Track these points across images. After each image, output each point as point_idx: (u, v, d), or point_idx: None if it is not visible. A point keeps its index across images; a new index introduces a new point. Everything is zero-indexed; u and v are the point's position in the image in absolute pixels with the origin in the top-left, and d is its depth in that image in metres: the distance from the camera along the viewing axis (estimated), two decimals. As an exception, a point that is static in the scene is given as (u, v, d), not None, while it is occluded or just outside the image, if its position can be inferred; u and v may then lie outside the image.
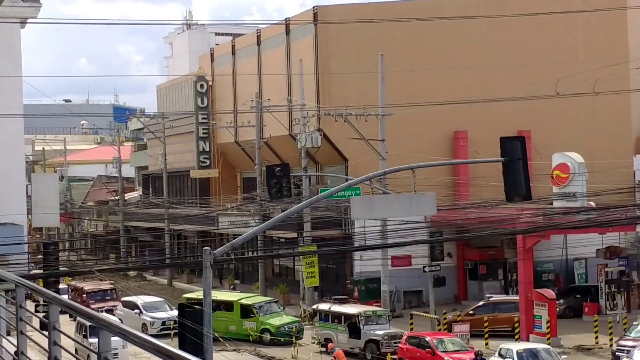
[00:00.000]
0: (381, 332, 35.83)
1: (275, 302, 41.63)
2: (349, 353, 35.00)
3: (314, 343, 38.44)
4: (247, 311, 39.62)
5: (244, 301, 40.28)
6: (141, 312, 42.37)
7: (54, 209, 28.07)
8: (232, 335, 39.01)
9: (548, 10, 47.81)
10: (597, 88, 38.38)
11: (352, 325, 36.60)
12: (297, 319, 40.34)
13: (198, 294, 44.15)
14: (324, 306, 39.15)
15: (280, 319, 39.28)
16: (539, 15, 47.80)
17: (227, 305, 40.49)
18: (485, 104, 47.21)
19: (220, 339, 39.16)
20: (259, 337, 38.87)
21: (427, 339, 33.67)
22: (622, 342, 33.79)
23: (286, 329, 38.55)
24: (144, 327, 41.00)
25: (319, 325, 38.50)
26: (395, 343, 35.23)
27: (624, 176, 48.95)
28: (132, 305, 43.55)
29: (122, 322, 40.55)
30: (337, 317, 37.56)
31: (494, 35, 53.00)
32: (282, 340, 38.01)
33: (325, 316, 38.23)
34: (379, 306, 41.05)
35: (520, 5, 51.35)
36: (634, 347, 32.56)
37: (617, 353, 33.33)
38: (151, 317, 41.87)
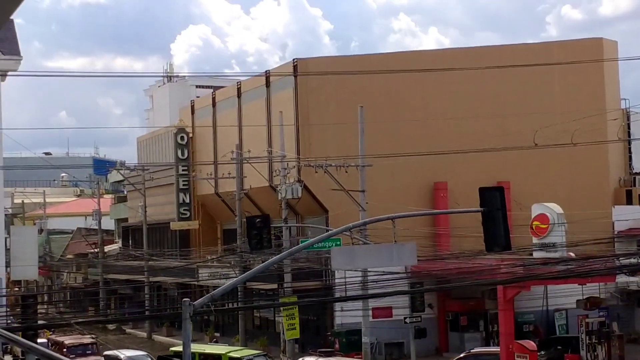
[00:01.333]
0: None
1: (264, 355, 40.89)
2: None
3: None
4: None
5: (233, 354, 39.57)
6: None
7: (32, 262, 27.93)
8: None
9: (525, 62, 48.38)
10: (575, 139, 38.74)
11: None
12: None
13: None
14: (309, 359, 38.76)
15: None
16: (516, 67, 48.34)
17: (215, 359, 39.93)
18: (465, 155, 47.50)
19: None
20: None
21: None
22: None
23: None
24: None
25: None
26: None
27: (603, 227, 49.15)
28: (115, 359, 42.89)
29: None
30: None
31: (473, 87, 53.50)
32: None
33: None
34: (360, 358, 40.76)
35: (498, 57, 52.00)
36: None
37: None
38: None
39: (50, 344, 48.74)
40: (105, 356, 44.18)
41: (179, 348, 42.14)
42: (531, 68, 49.71)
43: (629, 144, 60.29)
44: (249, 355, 39.56)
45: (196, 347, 42.86)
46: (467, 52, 55.56)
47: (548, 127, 43.68)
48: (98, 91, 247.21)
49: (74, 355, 45.38)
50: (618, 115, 56.46)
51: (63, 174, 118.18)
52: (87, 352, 47.18)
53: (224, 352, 39.98)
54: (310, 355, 39.71)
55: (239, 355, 39.18)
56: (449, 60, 52.47)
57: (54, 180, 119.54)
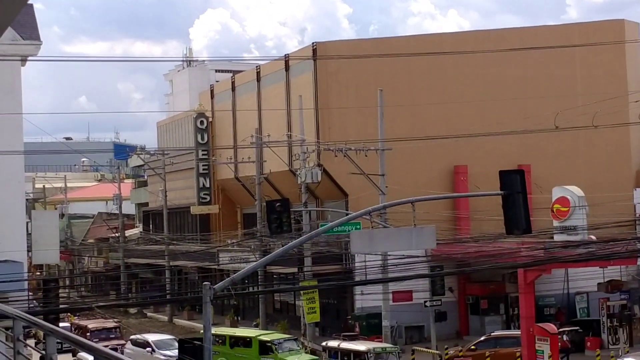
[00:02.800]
0: None
1: (295, 339, 40.70)
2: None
3: None
4: (265, 348, 38.69)
5: (263, 337, 39.67)
6: (153, 350, 41.50)
7: (54, 246, 28.03)
8: None
9: (547, 45, 48.09)
10: (596, 121, 38.49)
11: None
12: (316, 357, 39.12)
13: (217, 330, 44.00)
14: (332, 343, 38.68)
15: (299, 357, 38.39)
16: (537, 49, 48.07)
17: (245, 342, 40.00)
18: (485, 139, 47.31)
19: None
20: None
21: None
22: None
23: None
24: None
25: None
26: None
27: (624, 209, 48.92)
28: (143, 344, 42.81)
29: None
30: (346, 354, 36.99)
31: (493, 70, 53.24)
32: None
33: (335, 353, 37.67)
34: (380, 341, 40.78)
35: (519, 40, 51.68)
36: None
37: None
38: (164, 355, 40.68)
39: (73, 328, 49.01)
40: (132, 340, 44.28)
41: (215, 330, 42.72)
42: (552, 50, 49.42)
43: (651, 126, 59.87)
44: (279, 339, 39.60)
45: (227, 330, 43.10)
46: (487, 35, 55.28)
47: (569, 110, 43.44)
48: (118, 76, 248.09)
49: (97, 340, 45.35)
50: (639, 97, 56.03)
51: (84, 159, 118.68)
52: (111, 336, 47.32)
53: (254, 336, 40.09)
54: (334, 339, 39.67)
55: (269, 339, 39.27)
56: (469, 43, 52.23)
57: (75, 165, 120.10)
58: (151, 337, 43.43)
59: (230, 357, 39.59)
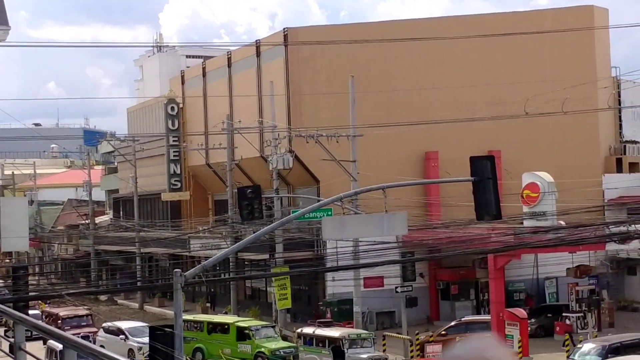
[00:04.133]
0: (365, 356, 35.42)
1: (273, 326, 40.91)
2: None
3: None
4: (242, 334, 38.96)
5: (240, 324, 39.77)
6: (127, 337, 41.25)
7: (23, 233, 27.80)
8: (227, 358, 38.74)
9: (517, 31, 48.27)
10: (566, 107, 38.72)
11: (336, 349, 36.15)
12: (293, 344, 39.33)
13: (195, 316, 44.01)
14: (308, 330, 38.75)
15: (276, 344, 38.57)
16: (508, 35, 48.23)
17: (223, 328, 40.06)
18: (456, 125, 47.47)
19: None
20: None
21: None
22: None
23: (282, 353, 37.71)
24: (130, 353, 40.17)
25: (303, 349, 38.05)
26: None
27: (594, 195, 49.26)
28: (116, 331, 42.52)
29: (105, 347, 39.89)
30: (321, 340, 37.20)
31: (464, 56, 53.36)
32: None
33: (310, 340, 37.86)
34: (352, 327, 40.92)
35: (490, 26, 51.86)
36: None
37: None
38: (137, 343, 40.34)
39: (44, 316, 48.67)
40: (105, 328, 44.02)
41: (189, 316, 42.73)
42: (522, 36, 49.62)
43: (619, 112, 60.31)
44: (256, 326, 39.74)
45: (205, 317, 43.13)
46: (458, 21, 55.36)
47: (539, 96, 43.65)
48: (87, 61, 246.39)
49: (68, 327, 44.87)
50: (609, 83, 56.41)
51: (53, 145, 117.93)
52: (82, 323, 47.00)
53: (232, 322, 40.15)
54: (309, 326, 39.76)
55: (247, 325, 39.38)
56: (441, 29, 52.28)
57: (44, 151, 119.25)
58: (124, 325, 43.22)
59: (208, 343, 39.72)
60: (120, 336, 41.74)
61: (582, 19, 54.55)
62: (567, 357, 34.15)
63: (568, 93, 41.83)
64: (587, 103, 48.55)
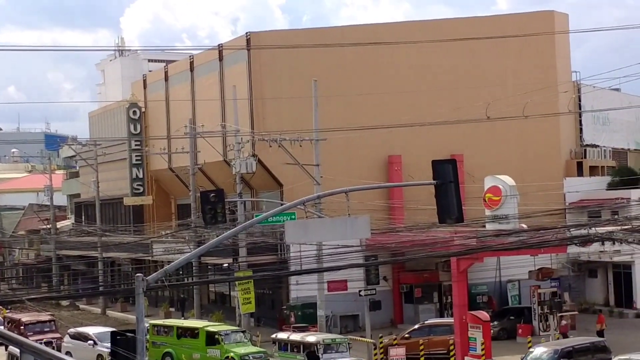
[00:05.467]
0: None
1: (243, 331, 40.70)
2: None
3: None
4: (212, 339, 38.67)
5: (210, 328, 39.57)
6: (95, 343, 40.69)
7: (-17, 238, 27.61)
8: None
9: (478, 35, 48.56)
10: (527, 112, 38.95)
11: (311, 354, 36.00)
12: (263, 349, 39.08)
13: (165, 321, 43.73)
14: (282, 335, 38.54)
15: (245, 348, 38.31)
16: (469, 40, 48.52)
17: (193, 333, 39.88)
18: (419, 129, 47.69)
19: None
20: None
21: None
22: None
23: (250, 358, 37.41)
24: (99, 359, 39.86)
25: (279, 355, 37.86)
26: None
27: (555, 198, 49.71)
28: (84, 337, 42.03)
29: (71, 354, 39.37)
30: (296, 346, 37.00)
31: (426, 60, 53.63)
32: None
33: (285, 345, 37.64)
34: (316, 331, 40.89)
35: (451, 31, 52.11)
36: None
37: None
38: (108, 348, 40.05)
39: (6, 322, 48.05)
40: (71, 333, 43.49)
41: (157, 321, 42.54)
42: (484, 41, 49.94)
43: (580, 116, 60.91)
44: (226, 330, 39.56)
45: (174, 322, 42.90)
46: (420, 26, 55.62)
47: (500, 100, 43.91)
48: (48, 66, 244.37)
49: (31, 333, 44.29)
50: (569, 87, 56.96)
51: (14, 150, 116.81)
52: (45, 329, 46.38)
53: (201, 327, 39.98)
54: (284, 331, 39.53)
55: (216, 330, 39.22)
56: (403, 33, 52.51)
57: (5, 155, 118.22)
58: (91, 330, 42.71)
59: (177, 348, 39.54)
60: (89, 342, 41.26)
61: (542, 24, 55.01)
62: (521, 359, 34.31)
63: (529, 97, 42.10)
64: (548, 107, 48.91)
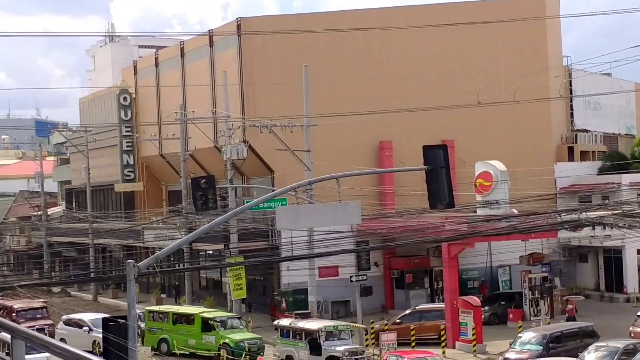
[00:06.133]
0: (341, 348, 34.68)
1: (239, 317, 40.71)
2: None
3: None
4: (207, 325, 38.83)
5: (205, 315, 39.62)
6: (91, 329, 40.46)
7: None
8: (191, 349, 38.62)
9: (469, 20, 48.52)
10: (518, 97, 38.99)
11: (313, 342, 35.59)
12: (258, 336, 39.10)
13: (160, 307, 43.75)
14: (284, 322, 38.08)
15: (241, 335, 38.37)
16: (460, 25, 48.48)
17: (188, 319, 39.94)
18: (410, 114, 47.64)
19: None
20: (217, 353, 37.80)
21: (403, 359, 32.50)
22: (507, 355, 33.23)
23: (246, 344, 37.41)
24: (95, 345, 39.79)
25: (280, 341, 37.47)
26: (356, 359, 34.35)
27: (546, 183, 49.80)
28: (78, 323, 41.95)
29: (66, 341, 39.31)
30: (298, 333, 36.51)
31: (417, 46, 53.56)
32: (242, 357, 36.45)
33: (287, 332, 37.18)
34: (318, 318, 40.72)
35: (442, 16, 52.08)
36: (518, 359, 32.25)
37: None
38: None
39: (-2, 309, 47.92)
40: (65, 321, 43.42)
41: (154, 307, 42.60)
42: (475, 26, 49.89)
43: (571, 101, 60.97)
44: (222, 317, 39.62)
45: (170, 308, 42.96)
46: (411, 11, 55.51)
47: (491, 85, 43.93)
48: (38, 52, 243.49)
49: (23, 320, 44.12)
50: (560, 72, 56.97)
51: (4, 136, 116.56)
52: (37, 316, 46.30)
53: (197, 313, 40.04)
54: (287, 318, 39.16)
55: (212, 316, 39.27)
56: (393, 19, 52.42)
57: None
58: (86, 317, 42.68)
59: (173, 334, 39.66)
60: (84, 328, 41.23)
61: (533, 9, 55.01)
62: (510, 344, 34.41)
63: (520, 82, 42.13)
64: (539, 92, 48.97)
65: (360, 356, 34.54)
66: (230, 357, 36.86)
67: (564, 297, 44.18)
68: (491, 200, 39.76)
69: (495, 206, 39.47)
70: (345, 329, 36.32)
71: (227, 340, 37.72)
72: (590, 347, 31.03)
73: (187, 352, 38.98)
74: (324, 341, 35.30)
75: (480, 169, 40.97)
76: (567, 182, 54.11)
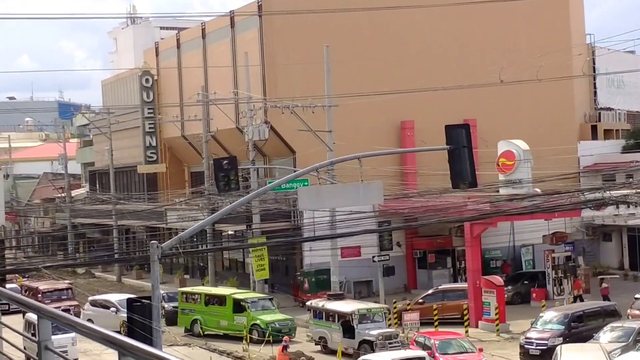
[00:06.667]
0: (375, 332, 33.72)
1: (270, 299, 40.89)
2: (344, 354, 33.90)
3: (308, 342, 37.00)
4: (239, 306, 39.01)
5: (237, 296, 39.85)
6: (118, 310, 40.55)
7: (-1, 207, 27.76)
8: (223, 329, 38.97)
9: (491, -1, 48.20)
10: (541, 75, 38.78)
11: (346, 324, 34.90)
12: (289, 317, 39.08)
13: (193, 288, 44.06)
14: (317, 303, 37.37)
15: (272, 316, 38.47)
16: (482, 3, 48.18)
17: (220, 300, 40.21)
18: (432, 94, 47.47)
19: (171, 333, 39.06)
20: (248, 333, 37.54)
21: (431, 340, 31.90)
22: (529, 335, 32.92)
23: (277, 325, 37.48)
24: (123, 326, 40.03)
25: (313, 323, 37.00)
26: (390, 344, 33.09)
27: (569, 162, 49.57)
28: (106, 304, 42.31)
29: (93, 322, 39.62)
30: (331, 315, 35.78)
31: (439, 24, 53.30)
32: (272, 338, 35.98)
33: (319, 314, 36.54)
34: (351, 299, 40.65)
35: (463, -5, 51.73)
36: (540, 339, 32.11)
37: (525, 346, 32.39)
38: None
39: (24, 290, 48.34)
40: (92, 302, 43.74)
41: (187, 289, 43.21)
42: (497, 4, 49.56)
43: (594, 79, 60.57)
44: (253, 298, 39.80)
45: (202, 289, 43.25)
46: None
47: (514, 64, 43.70)
48: (61, 34, 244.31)
49: (49, 301, 44.49)
50: (583, 50, 56.57)
51: (28, 119, 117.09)
52: (63, 297, 46.76)
53: (228, 294, 40.30)
54: (320, 299, 38.84)
55: (243, 297, 39.47)
56: (415, -3, 52.12)
57: (19, 124, 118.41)
58: (113, 298, 42.98)
59: (205, 315, 40.01)
60: (112, 309, 41.53)
61: (556, -13, 54.55)
62: (531, 324, 34.31)
63: (543, 61, 41.88)
64: (562, 70, 48.67)
65: (394, 340, 33.55)
66: (260, 338, 36.80)
67: (599, 277, 44.04)
68: (514, 179, 39.67)
69: (518, 185, 39.39)
70: (378, 312, 35.38)
71: (257, 322, 37.91)
72: (606, 327, 30.92)
73: (220, 333, 39.18)
74: (357, 324, 34.46)
75: (502, 148, 40.85)
76: (590, 160, 53.84)
